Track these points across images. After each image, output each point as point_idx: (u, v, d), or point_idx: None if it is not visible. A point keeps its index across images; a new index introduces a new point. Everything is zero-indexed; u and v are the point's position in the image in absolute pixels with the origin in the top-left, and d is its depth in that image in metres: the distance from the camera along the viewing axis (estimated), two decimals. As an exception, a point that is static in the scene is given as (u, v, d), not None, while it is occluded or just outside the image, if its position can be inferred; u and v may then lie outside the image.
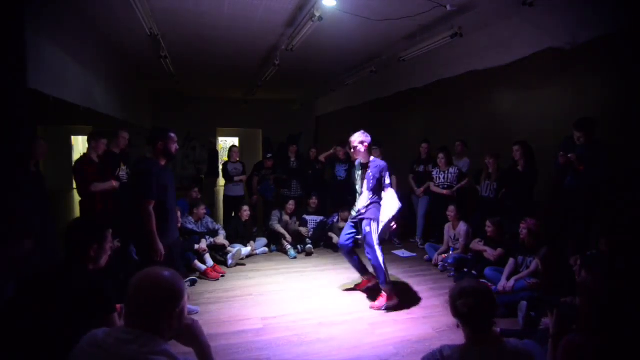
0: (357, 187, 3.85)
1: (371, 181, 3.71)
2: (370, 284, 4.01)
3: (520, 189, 4.40)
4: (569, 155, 3.68)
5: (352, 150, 3.82)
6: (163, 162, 3.08)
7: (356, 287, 4.11)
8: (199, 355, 1.43)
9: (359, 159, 3.82)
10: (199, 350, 1.42)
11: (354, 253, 3.96)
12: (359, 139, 3.74)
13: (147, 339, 1.16)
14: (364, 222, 3.69)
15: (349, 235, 3.87)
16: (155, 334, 1.19)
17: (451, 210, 4.85)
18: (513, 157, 4.45)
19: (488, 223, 4.27)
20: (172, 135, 3.10)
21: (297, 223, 5.77)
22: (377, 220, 3.68)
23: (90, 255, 1.78)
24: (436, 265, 4.84)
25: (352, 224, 3.87)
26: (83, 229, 1.83)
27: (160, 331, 1.21)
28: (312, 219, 5.86)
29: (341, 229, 5.63)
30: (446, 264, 4.65)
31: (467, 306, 1.48)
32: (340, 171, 6.18)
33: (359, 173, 3.85)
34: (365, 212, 3.71)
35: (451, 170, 5.32)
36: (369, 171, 3.74)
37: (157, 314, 1.21)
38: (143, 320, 1.19)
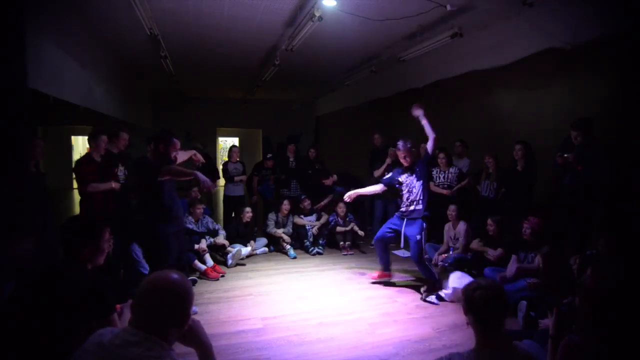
0: (405, 193, 4.02)
1: (423, 182, 3.96)
2: (386, 279, 4.25)
3: (520, 188, 4.41)
4: (566, 156, 3.69)
5: (404, 160, 4.01)
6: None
7: (369, 276, 4.37)
8: (201, 356, 1.43)
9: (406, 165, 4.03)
10: (201, 351, 1.42)
11: (388, 250, 4.30)
12: (406, 147, 3.98)
13: (153, 343, 1.16)
14: (414, 229, 3.89)
15: (389, 235, 4.10)
16: (162, 338, 1.18)
17: (452, 210, 4.85)
18: (513, 157, 4.45)
19: (490, 221, 4.27)
20: (176, 141, 3.22)
21: (292, 224, 5.80)
22: (424, 230, 3.93)
23: (85, 254, 1.77)
24: (436, 265, 4.84)
25: (394, 225, 4.08)
26: (77, 229, 1.81)
27: (167, 335, 1.21)
28: (308, 220, 5.88)
29: (342, 227, 5.69)
30: (446, 264, 4.65)
31: (484, 298, 1.46)
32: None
33: (403, 177, 4.02)
34: (415, 214, 3.95)
35: (451, 170, 5.32)
36: (417, 173, 3.93)
37: (167, 317, 1.21)
38: (151, 323, 1.19)
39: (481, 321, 1.49)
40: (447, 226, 4.97)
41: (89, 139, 4.10)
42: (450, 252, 4.79)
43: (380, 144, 6.53)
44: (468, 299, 1.52)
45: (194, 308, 3.45)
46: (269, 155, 6.35)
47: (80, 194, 4.00)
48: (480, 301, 1.47)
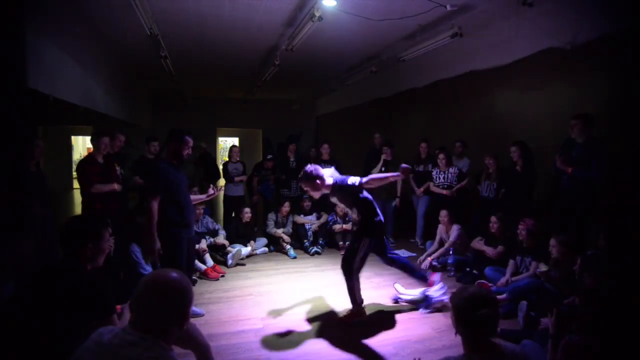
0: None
1: (343, 203, 3.48)
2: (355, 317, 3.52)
3: (520, 189, 4.41)
4: (557, 157, 3.74)
5: (315, 193, 3.35)
6: (175, 163, 3.16)
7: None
8: (199, 357, 1.42)
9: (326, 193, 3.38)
10: (199, 352, 1.41)
11: (395, 261, 3.61)
12: (311, 179, 3.27)
13: (151, 343, 1.16)
14: (355, 236, 3.40)
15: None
16: (161, 338, 1.18)
17: (443, 215, 4.84)
18: (511, 158, 4.46)
19: (493, 218, 4.27)
20: (188, 139, 3.17)
21: (292, 223, 5.80)
22: (368, 236, 3.31)
23: (86, 254, 1.77)
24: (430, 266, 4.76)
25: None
26: (77, 229, 1.81)
27: (166, 335, 1.21)
28: (308, 219, 5.89)
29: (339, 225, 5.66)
30: (435, 263, 4.64)
31: (488, 317, 1.44)
32: None
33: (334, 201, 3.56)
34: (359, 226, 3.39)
35: (451, 170, 5.31)
36: (335, 198, 3.39)
37: (165, 316, 1.21)
38: (150, 323, 1.19)
39: (477, 335, 1.47)
40: (440, 227, 4.97)
41: (91, 140, 4.13)
42: (451, 252, 4.77)
43: (379, 145, 6.53)
44: (461, 313, 1.49)
45: (200, 310, 3.45)
46: (269, 156, 6.35)
47: (82, 194, 4.01)
48: (484, 319, 1.45)
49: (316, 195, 3.36)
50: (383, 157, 5.76)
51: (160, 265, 3.51)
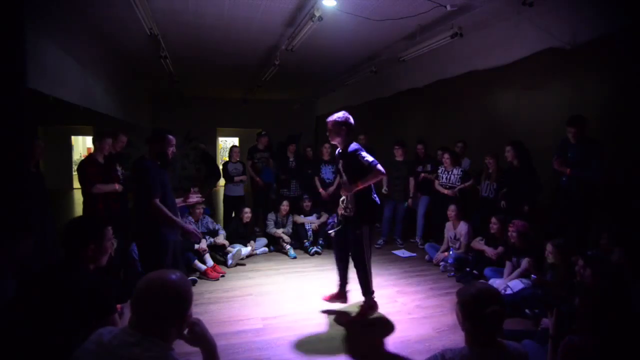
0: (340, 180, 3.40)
1: (350, 173, 3.25)
2: (337, 299, 3.65)
3: (519, 189, 4.40)
4: (554, 159, 3.76)
5: (328, 133, 3.34)
6: (159, 163, 3.13)
7: (323, 298, 3.69)
8: (206, 355, 1.43)
9: (337, 146, 3.38)
10: (206, 350, 1.41)
11: (344, 260, 3.59)
12: (333, 120, 3.28)
13: (151, 343, 1.16)
14: (354, 226, 3.29)
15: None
16: (160, 338, 1.18)
17: (452, 210, 4.84)
18: (506, 158, 4.46)
19: (494, 220, 4.27)
20: (170, 137, 3.16)
21: (292, 224, 5.79)
22: (369, 222, 3.30)
23: (88, 255, 1.77)
24: (437, 264, 4.83)
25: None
26: (80, 229, 1.81)
27: (166, 335, 1.21)
28: (308, 219, 5.89)
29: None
30: (447, 265, 4.64)
31: (496, 314, 1.43)
32: (327, 173, 6.15)
33: (339, 167, 3.44)
34: (354, 210, 3.27)
35: (455, 171, 5.29)
36: (347, 160, 3.26)
37: (164, 317, 1.21)
38: (149, 323, 1.19)
39: (480, 330, 1.46)
40: (448, 225, 4.96)
41: (93, 140, 4.15)
42: (451, 252, 4.78)
43: (365, 146, 6.49)
44: (469, 310, 1.47)
45: None
46: (263, 132, 6.27)
47: (83, 194, 4.02)
48: (494, 317, 1.44)
49: (333, 140, 3.34)
50: (397, 158, 5.72)
51: (144, 268, 3.46)
